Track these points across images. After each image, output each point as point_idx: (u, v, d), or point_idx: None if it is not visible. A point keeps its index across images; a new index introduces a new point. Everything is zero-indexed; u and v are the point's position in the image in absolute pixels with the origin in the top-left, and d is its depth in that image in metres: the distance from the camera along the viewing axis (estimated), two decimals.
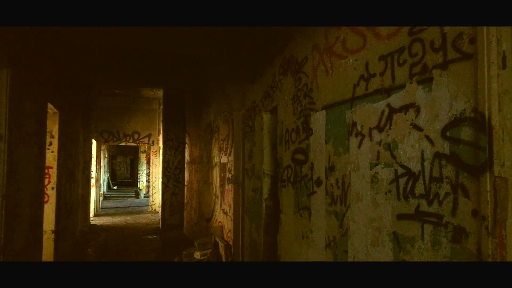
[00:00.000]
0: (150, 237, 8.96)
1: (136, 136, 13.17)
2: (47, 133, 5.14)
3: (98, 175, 12.97)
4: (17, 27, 3.45)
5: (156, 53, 6.59)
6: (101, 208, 13.62)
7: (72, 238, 7.37)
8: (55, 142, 5.49)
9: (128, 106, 12.96)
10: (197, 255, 5.79)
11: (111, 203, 15.66)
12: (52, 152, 5.44)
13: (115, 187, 23.66)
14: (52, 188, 5.49)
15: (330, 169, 2.74)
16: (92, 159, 10.84)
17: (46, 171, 5.20)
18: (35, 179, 4.27)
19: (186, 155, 9.90)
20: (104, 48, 6.16)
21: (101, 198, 14.77)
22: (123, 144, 13.37)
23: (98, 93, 11.34)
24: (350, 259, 2.49)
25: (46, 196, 5.28)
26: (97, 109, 11.82)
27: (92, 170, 10.68)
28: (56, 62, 5.58)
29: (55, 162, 5.49)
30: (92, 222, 10.54)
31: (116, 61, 7.12)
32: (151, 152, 13.90)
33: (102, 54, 6.56)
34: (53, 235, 5.45)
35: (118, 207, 14.51)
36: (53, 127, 5.42)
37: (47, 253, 5.27)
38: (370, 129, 2.31)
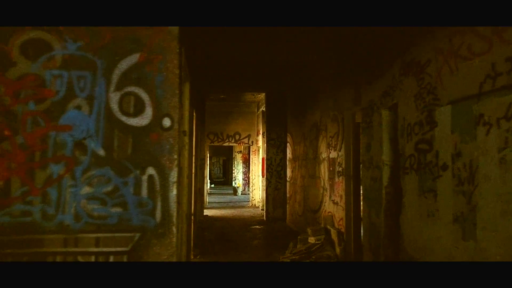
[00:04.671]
0: (257, 227, 9.92)
1: (237, 137, 14.43)
2: None
3: (206, 173, 14.46)
4: None
5: (260, 61, 7.49)
6: (207, 202, 15.13)
7: (194, 225, 8.59)
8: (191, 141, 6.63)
9: (230, 110, 14.27)
10: (312, 239, 6.48)
11: (213, 199, 17.21)
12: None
13: (212, 185, 25.64)
14: (187, 178, 6.63)
15: (457, 155, 3.20)
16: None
17: None
18: (189, 169, 5.34)
19: (287, 153, 10.69)
20: (218, 60, 7.23)
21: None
22: (226, 144, 14.71)
23: (207, 99, 12.77)
24: (478, 230, 2.94)
25: None
26: (205, 113, 13.27)
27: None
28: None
29: (192, 158, 6.63)
30: (204, 213, 11.90)
31: (225, 69, 8.23)
32: (251, 152, 15.05)
33: (215, 65, 7.67)
34: (192, 217, 6.57)
35: (220, 202, 15.95)
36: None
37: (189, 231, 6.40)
38: (498, 119, 2.75)
